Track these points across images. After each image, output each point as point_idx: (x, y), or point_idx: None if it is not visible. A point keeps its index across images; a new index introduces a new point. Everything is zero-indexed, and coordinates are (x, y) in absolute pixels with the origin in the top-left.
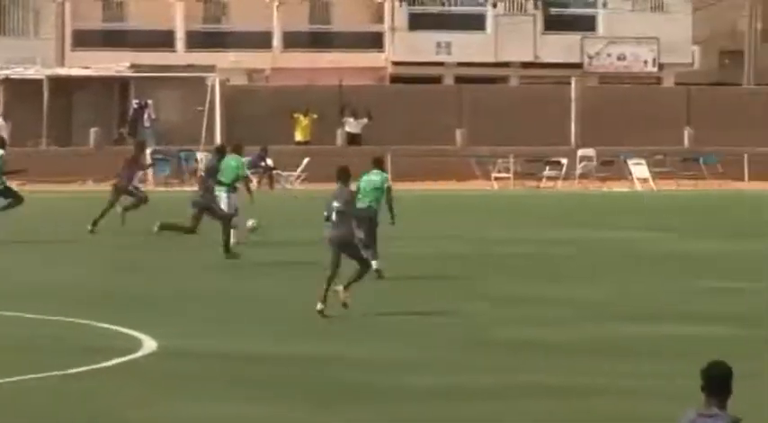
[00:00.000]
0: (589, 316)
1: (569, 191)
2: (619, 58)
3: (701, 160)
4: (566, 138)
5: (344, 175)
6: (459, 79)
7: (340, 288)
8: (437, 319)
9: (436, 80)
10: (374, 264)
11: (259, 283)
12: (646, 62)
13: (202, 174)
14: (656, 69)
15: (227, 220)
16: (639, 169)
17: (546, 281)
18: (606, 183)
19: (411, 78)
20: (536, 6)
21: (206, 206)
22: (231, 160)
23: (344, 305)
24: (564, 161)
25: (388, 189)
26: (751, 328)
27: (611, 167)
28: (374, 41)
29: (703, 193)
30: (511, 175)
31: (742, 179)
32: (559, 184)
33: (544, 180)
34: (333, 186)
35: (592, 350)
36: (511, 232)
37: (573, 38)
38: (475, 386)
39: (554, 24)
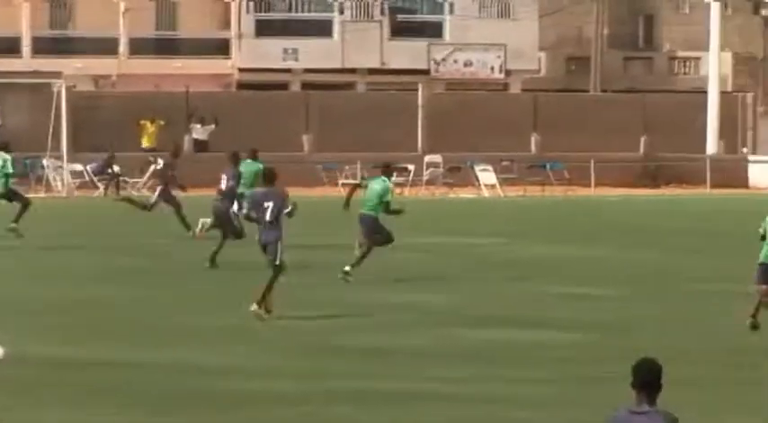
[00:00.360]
0: (438, 321)
1: (416, 197)
2: (465, 65)
3: (548, 166)
4: (412, 144)
5: (271, 177)
6: (306, 85)
7: (254, 308)
8: (285, 325)
9: (283, 86)
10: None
11: (102, 289)
12: (492, 68)
13: (228, 183)
14: (502, 76)
15: (238, 234)
16: (486, 175)
17: (395, 286)
18: (453, 189)
19: (258, 85)
20: (383, 12)
21: (223, 217)
22: (250, 166)
23: (266, 314)
24: (411, 167)
25: (387, 204)
26: (598, 334)
27: (458, 174)
28: (221, 48)
29: (550, 199)
30: (358, 181)
31: (588, 185)
32: (406, 190)
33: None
34: (180, 193)
35: (441, 356)
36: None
37: (420, 44)
38: (322, 391)
39: (401, 30)
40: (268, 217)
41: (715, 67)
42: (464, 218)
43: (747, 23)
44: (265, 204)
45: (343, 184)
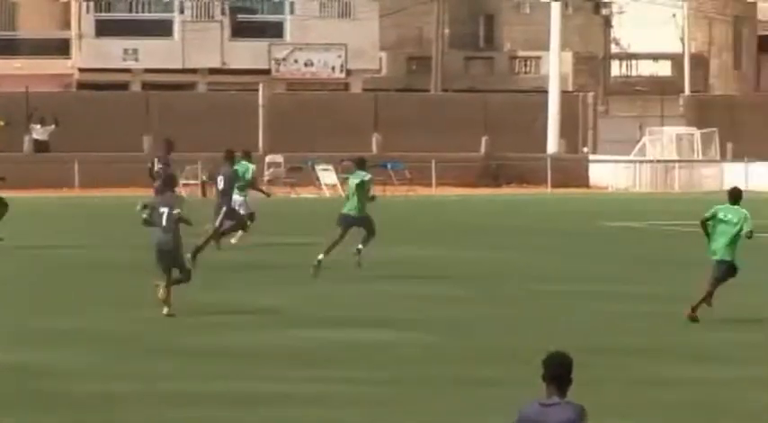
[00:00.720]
0: (278, 322)
1: (257, 197)
2: (306, 64)
3: (389, 166)
4: (253, 144)
5: (171, 182)
6: (147, 86)
7: (161, 284)
8: (125, 326)
9: (124, 87)
10: (357, 254)
11: None
12: (333, 68)
13: (221, 183)
14: (343, 75)
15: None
16: (327, 175)
17: (236, 287)
18: (294, 189)
19: (98, 85)
20: (223, 12)
21: (228, 211)
22: (244, 166)
23: (164, 302)
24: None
25: (362, 184)
26: (439, 334)
27: (299, 173)
28: (61, 48)
29: (391, 199)
30: (199, 181)
31: (430, 185)
32: (248, 190)
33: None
34: (21, 194)
35: (280, 356)
36: (195, 239)
37: (260, 44)
38: (158, 393)
39: (242, 31)
40: (165, 221)
41: (555, 67)
42: (305, 218)
43: (588, 23)
44: (161, 209)
45: (184, 184)
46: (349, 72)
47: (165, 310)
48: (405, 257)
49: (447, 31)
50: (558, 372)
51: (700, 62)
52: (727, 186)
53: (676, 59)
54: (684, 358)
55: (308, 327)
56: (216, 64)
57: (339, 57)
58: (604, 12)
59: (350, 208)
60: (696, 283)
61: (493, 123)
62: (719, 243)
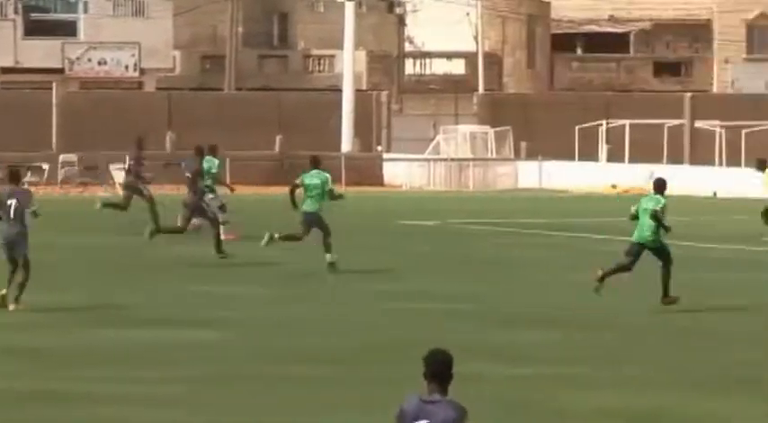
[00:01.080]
0: (80, 321)
1: (51, 196)
2: (100, 63)
3: (183, 165)
4: (47, 143)
5: (15, 177)
6: None
7: (12, 307)
8: None
9: None
10: (328, 257)
11: None
12: (127, 67)
13: (188, 176)
14: (137, 74)
15: (215, 222)
16: (122, 175)
17: (41, 287)
18: (88, 188)
19: None
20: (16, 11)
21: (196, 207)
22: (210, 161)
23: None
24: (45, 166)
25: (330, 191)
26: (241, 332)
27: (94, 172)
28: None
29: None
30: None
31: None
32: (41, 189)
33: (26, 185)
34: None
35: (83, 355)
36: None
37: (54, 43)
38: None
39: (35, 29)
40: (12, 214)
41: (349, 65)
42: (99, 217)
43: (382, 22)
44: (9, 202)
45: None
46: (143, 71)
47: (12, 307)
48: (201, 256)
49: (241, 29)
50: (440, 369)
51: (493, 61)
52: (522, 185)
53: (470, 58)
54: (487, 356)
55: (112, 327)
56: (9, 63)
57: (133, 56)
58: (398, 10)
59: (307, 206)
60: (496, 282)
61: (287, 122)
62: (646, 230)
